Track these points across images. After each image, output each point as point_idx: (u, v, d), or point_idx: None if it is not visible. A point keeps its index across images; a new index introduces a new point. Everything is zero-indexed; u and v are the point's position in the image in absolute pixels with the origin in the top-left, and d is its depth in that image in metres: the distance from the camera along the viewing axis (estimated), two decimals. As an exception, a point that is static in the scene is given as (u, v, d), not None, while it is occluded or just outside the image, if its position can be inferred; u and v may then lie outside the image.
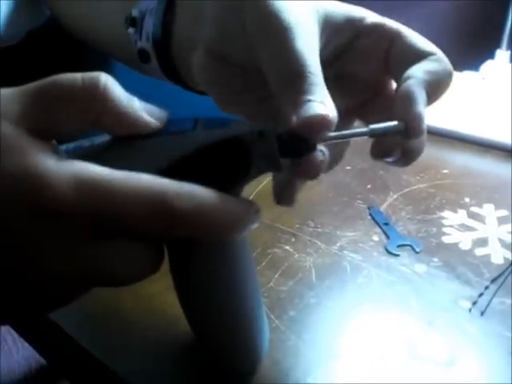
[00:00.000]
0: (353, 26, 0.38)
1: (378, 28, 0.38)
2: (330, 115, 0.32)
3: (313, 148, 0.33)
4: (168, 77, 0.47)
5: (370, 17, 0.39)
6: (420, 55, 0.37)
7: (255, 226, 0.31)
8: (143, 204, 0.28)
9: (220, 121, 0.32)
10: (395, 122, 0.34)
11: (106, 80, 0.30)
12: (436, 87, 0.36)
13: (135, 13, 0.45)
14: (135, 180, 0.28)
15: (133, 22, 0.46)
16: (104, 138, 0.32)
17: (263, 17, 0.36)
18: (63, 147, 0.31)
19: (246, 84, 0.40)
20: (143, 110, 0.31)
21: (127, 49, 0.48)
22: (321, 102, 0.33)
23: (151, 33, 0.45)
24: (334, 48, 0.39)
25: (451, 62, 0.38)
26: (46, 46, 0.74)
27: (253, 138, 0.31)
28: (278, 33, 0.35)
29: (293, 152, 0.33)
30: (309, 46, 0.35)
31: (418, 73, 0.36)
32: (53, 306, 0.31)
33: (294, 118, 0.32)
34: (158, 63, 0.46)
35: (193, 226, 0.29)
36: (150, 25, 0.45)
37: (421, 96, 0.35)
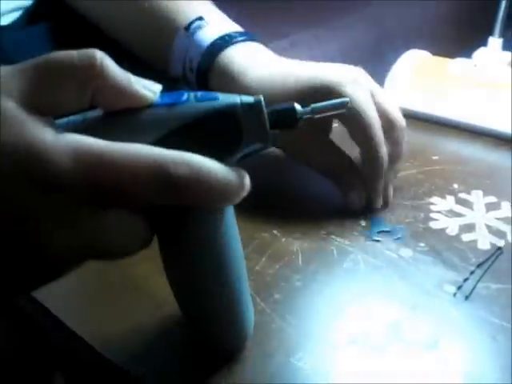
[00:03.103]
0: None
1: None
2: None
3: (297, 121, 0.34)
4: None
5: None
6: None
7: (245, 194, 0.32)
8: (141, 172, 0.29)
9: (211, 94, 0.33)
10: (336, 100, 0.36)
11: (102, 56, 0.31)
12: None
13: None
14: (133, 149, 0.29)
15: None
16: (96, 113, 0.32)
17: None
18: (56, 122, 0.31)
19: None
20: (139, 84, 0.32)
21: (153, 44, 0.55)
22: None
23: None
24: None
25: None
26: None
27: (244, 109, 0.33)
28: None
29: (279, 125, 0.34)
30: None
31: None
32: (46, 279, 0.31)
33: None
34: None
35: (190, 191, 0.30)
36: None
37: None
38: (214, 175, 0.30)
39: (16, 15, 0.74)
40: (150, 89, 0.32)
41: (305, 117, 0.35)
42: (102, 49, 0.31)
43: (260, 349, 0.41)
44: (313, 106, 0.35)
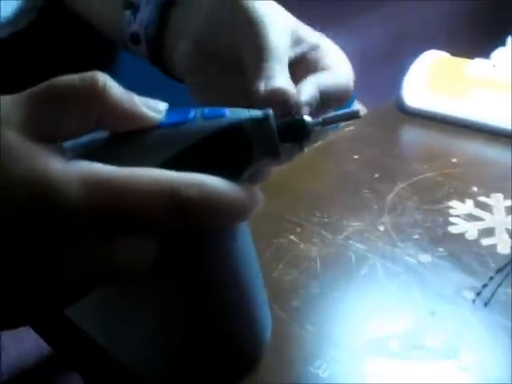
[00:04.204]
0: (304, 44, 0.43)
1: (314, 47, 0.43)
2: (290, 89, 0.37)
3: (308, 133, 0.34)
4: (152, 61, 0.49)
5: (313, 37, 0.43)
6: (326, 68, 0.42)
7: (259, 208, 0.32)
8: (152, 198, 0.29)
9: (218, 110, 0.32)
10: (347, 110, 0.36)
11: (105, 79, 0.30)
12: (328, 93, 0.40)
13: None
14: (142, 175, 0.29)
15: (130, 5, 0.49)
16: (103, 134, 0.32)
17: (246, 10, 0.40)
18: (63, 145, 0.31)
19: (223, 73, 0.44)
20: (143, 105, 0.32)
21: (119, 29, 0.50)
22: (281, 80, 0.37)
23: (146, 20, 0.47)
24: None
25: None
26: (53, 31, 0.75)
27: (252, 125, 0.32)
28: (257, 23, 0.40)
29: (290, 138, 0.34)
30: (280, 38, 0.40)
31: (312, 77, 0.40)
32: (64, 303, 0.32)
33: (261, 91, 0.37)
34: (146, 48, 0.48)
35: (202, 214, 0.30)
36: (146, 12, 0.47)
37: (305, 89, 0.38)
38: (225, 196, 0.30)
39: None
40: (155, 109, 0.32)
41: (316, 128, 0.34)
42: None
43: (278, 357, 0.41)
44: (324, 116, 0.35)
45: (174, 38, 0.46)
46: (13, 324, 0.31)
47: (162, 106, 0.32)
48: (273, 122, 0.33)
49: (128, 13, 0.48)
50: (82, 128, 0.31)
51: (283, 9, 0.43)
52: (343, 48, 0.46)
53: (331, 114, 0.35)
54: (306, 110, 0.37)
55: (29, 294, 0.29)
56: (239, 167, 0.33)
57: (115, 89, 0.31)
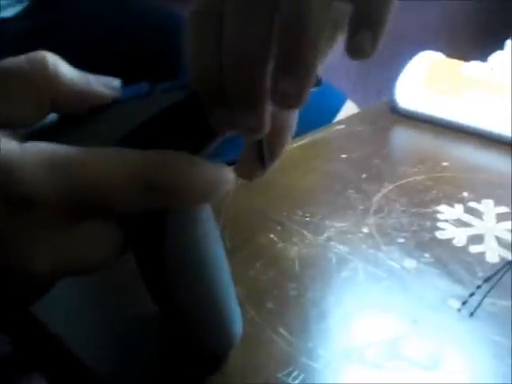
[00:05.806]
0: None
1: None
2: None
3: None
4: None
5: None
6: None
7: (230, 188, 0.30)
8: (118, 179, 0.27)
9: (177, 84, 0.30)
10: None
11: (55, 59, 0.29)
12: None
13: None
14: (107, 156, 0.27)
15: None
16: (52, 117, 0.30)
17: None
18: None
19: None
20: (97, 83, 0.30)
21: None
22: None
23: None
24: None
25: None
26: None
27: None
28: None
29: None
30: None
31: None
32: (33, 296, 0.30)
33: None
34: None
35: (169, 193, 0.28)
36: None
37: None
38: (194, 171, 0.28)
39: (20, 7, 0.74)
40: (109, 86, 0.30)
41: None
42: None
43: (247, 360, 0.38)
44: None
45: None
46: None
47: (116, 82, 0.31)
48: None
49: None
50: (37, 113, 0.29)
51: None
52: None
53: None
54: None
55: None
56: (200, 141, 0.30)
57: (66, 69, 0.29)
